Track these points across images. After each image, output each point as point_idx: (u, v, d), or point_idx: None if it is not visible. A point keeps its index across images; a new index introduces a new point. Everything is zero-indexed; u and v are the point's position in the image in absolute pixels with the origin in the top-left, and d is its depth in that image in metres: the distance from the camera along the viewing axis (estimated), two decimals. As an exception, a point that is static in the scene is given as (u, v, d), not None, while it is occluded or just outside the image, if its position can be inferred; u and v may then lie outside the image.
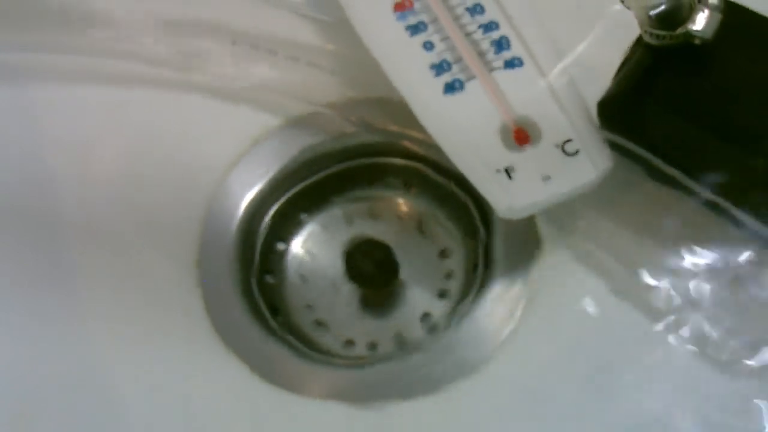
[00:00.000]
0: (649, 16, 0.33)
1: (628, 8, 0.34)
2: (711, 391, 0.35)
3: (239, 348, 0.38)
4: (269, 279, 0.41)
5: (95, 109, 0.42)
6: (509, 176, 0.35)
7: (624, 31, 0.35)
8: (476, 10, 0.38)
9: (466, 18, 0.38)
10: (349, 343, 0.40)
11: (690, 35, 0.33)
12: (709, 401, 0.35)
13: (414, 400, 0.36)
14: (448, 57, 0.37)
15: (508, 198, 0.35)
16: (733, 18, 0.34)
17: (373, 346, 0.40)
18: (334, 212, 0.42)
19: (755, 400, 0.35)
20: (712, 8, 0.34)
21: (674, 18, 0.33)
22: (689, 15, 0.33)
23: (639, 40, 0.35)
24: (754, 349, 0.36)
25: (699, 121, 0.34)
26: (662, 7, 0.33)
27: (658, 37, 0.34)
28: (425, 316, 0.40)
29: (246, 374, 0.37)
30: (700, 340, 0.36)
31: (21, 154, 0.41)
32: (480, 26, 0.38)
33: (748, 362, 0.35)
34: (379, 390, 0.37)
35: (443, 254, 0.42)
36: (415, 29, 0.38)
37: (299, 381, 0.37)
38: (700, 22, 0.34)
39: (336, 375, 0.38)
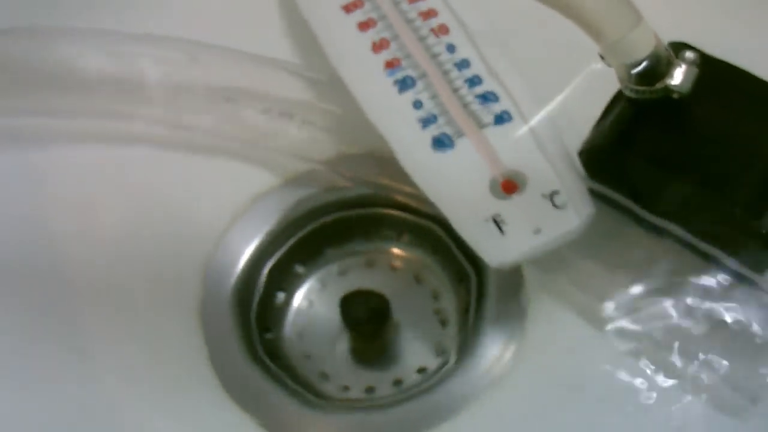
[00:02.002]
0: (630, 73, 0.35)
1: (609, 66, 0.35)
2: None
3: (243, 399, 0.38)
4: (268, 331, 0.42)
5: (96, 169, 0.43)
6: (499, 228, 0.37)
7: (605, 83, 0.37)
8: (464, 65, 0.39)
9: (454, 73, 0.39)
10: (347, 389, 0.41)
11: (669, 90, 0.35)
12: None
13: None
14: (437, 113, 0.38)
15: (499, 250, 0.37)
16: (711, 71, 0.36)
17: (369, 390, 0.41)
18: (329, 262, 0.44)
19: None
20: (688, 63, 0.35)
21: (653, 74, 0.35)
22: (667, 70, 0.35)
23: (620, 92, 0.37)
24: (745, 391, 0.37)
25: (678, 171, 0.36)
26: (642, 66, 0.34)
27: (638, 92, 0.35)
28: (420, 366, 0.41)
29: (250, 425, 0.38)
30: (688, 382, 0.37)
31: (24, 216, 0.42)
32: (466, 81, 0.39)
33: (738, 403, 0.36)
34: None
35: (436, 297, 0.43)
36: (403, 85, 0.39)
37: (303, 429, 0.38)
38: (677, 77, 0.35)
39: (338, 420, 0.39)
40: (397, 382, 0.41)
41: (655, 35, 0.34)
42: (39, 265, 0.41)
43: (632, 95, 0.35)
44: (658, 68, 0.35)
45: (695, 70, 0.35)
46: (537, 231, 0.36)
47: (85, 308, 0.40)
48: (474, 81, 0.39)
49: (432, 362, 0.41)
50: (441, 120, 0.38)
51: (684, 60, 0.35)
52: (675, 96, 0.35)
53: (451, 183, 0.38)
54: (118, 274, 0.41)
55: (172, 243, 0.42)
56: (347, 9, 0.41)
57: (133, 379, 0.39)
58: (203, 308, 0.40)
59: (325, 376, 0.41)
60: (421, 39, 0.40)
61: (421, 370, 0.41)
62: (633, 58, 0.34)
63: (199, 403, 0.38)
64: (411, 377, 0.41)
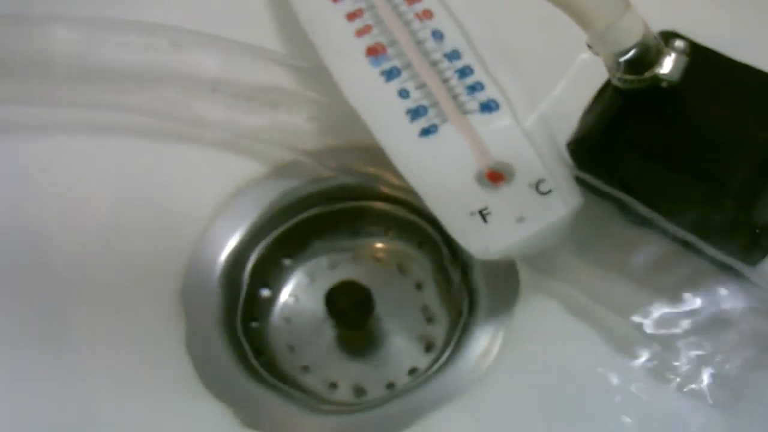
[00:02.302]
0: (618, 62, 0.34)
1: (597, 55, 0.35)
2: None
3: (224, 394, 0.38)
4: (253, 323, 0.41)
5: (80, 160, 0.42)
6: (484, 219, 0.36)
7: (593, 74, 0.36)
8: (453, 55, 0.39)
9: (443, 64, 0.38)
10: (333, 386, 0.41)
11: (657, 79, 0.34)
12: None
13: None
14: (424, 102, 0.38)
15: (484, 241, 0.36)
16: (701, 60, 0.35)
17: (358, 389, 0.40)
18: (316, 255, 0.43)
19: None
20: (678, 52, 0.35)
21: (642, 63, 0.34)
22: (656, 59, 0.34)
23: (608, 82, 0.36)
24: (732, 384, 0.36)
25: (667, 161, 0.35)
26: (631, 54, 0.34)
27: (626, 81, 0.35)
28: (409, 364, 0.41)
29: (231, 420, 0.37)
30: (677, 376, 0.36)
31: (7, 206, 0.42)
32: (456, 71, 0.38)
33: (724, 397, 0.36)
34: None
35: (418, 286, 0.42)
36: (389, 74, 0.38)
37: (286, 427, 0.38)
38: (667, 65, 0.34)
39: (321, 421, 0.38)
40: (387, 381, 0.41)
41: (643, 23, 0.33)
42: (22, 255, 0.41)
43: (620, 85, 0.35)
44: (646, 57, 0.34)
45: (685, 59, 0.35)
46: (521, 220, 0.36)
47: (67, 299, 0.40)
48: (461, 71, 0.38)
49: (420, 359, 0.41)
50: (428, 110, 0.38)
51: (673, 49, 0.35)
52: (664, 85, 0.34)
53: (437, 174, 0.37)
54: (102, 265, 0.41)
55: (156, 233, 0.41)
56: (334, -1, 0.41)
57: (113, 371, 0.38)
58: (186, 300, 0.40)
59: (308, 370, 0.41)
60: (407, 24, 0.39)
61: (412, 371, 0.41)
62: (621, 46, 0.33)
63: (178, 396, 0.38)
64: (398, 374, 0.41)
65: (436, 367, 0.39)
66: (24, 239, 0.41)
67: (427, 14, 0.40)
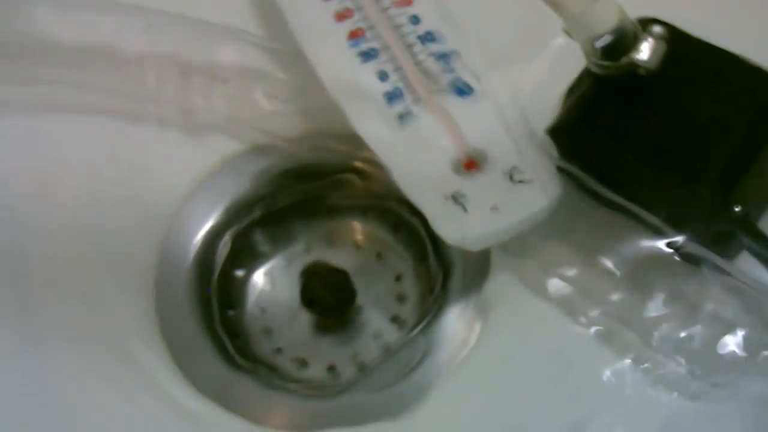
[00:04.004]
0: (594, 47, 0.33)
1: (573, 40, 0.34)
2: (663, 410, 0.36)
3: (196, 376, 0.38)
4: (227, 305, 0.41)
5: (55, 138, 0.42)
6: (459, 205, 0.36)
7: (571, 60, 0.36)
8: (427, 38, 0.38)
9: (418, 47, 0.38)
10: (305, 365, 0.40)
11: (635, 65, 0.34)
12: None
13: (375, 424, 0.37)
14: (401, 87, 0.37)
15: (459, 229, 0.36)
16: (680, 46, 0.34)
17: (331, 369, 0.40)
18: (291, 239, 0.43)
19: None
20: (656, 38, 0.34)
21: (619, 48, 0.33)
22: (634, 45, 0.33)
23: (587, 69, 0.35)
24: (702, 368, 0.36)
25: (644, 151, 0.34)
26: (606, 39, 0.33)
27: (603, 67, 0.34)
28: (381, 341, 0.41)
29: (203, 402, 0.37)
30: (649, 363, 0.36)
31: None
32: (430, 54, 0.38)
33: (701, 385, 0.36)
34: (337, 416, 0.37)
35: (398, 279, 0.42)
36: (366, 56, 0.38)
37: (259, 410, 0.38)
38: (644, 51, 0.34)
39: (295, 403, 0.38)
40: (355, 359, 0.41)
41: (619, 8, 0.33)
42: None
43: (597, 71, 0.34)
44: (623, 42, 0.33)
45: (663, 45, 0.34)
46: (495, 209, 0.35)
47: (35, 280, 0.40)
48: (437, 54, 0.38)
49: (392, 334, 0.41)
50: (404, 94, 0.37)
51: (652, 34, 0.34)
52: (641, 72, 0.34)
53: (413, 157, 0.37)
54: (71, 246, 0.40)
55: (129, 214, 0.41)
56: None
57: (83, 354, 0.38)
58: (159, 281, 0.40)
59: (282, 352, 0.41)
60: (384, 10, 0.39)
61: (381, 342, 0.41)
62: (596, 31, 0.33)
63: (150, 377, 0.38)
64: (370, 352, 0.41)
65: (405, 343, 0.39)
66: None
67: (406, 1, 0.39)
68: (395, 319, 0.41)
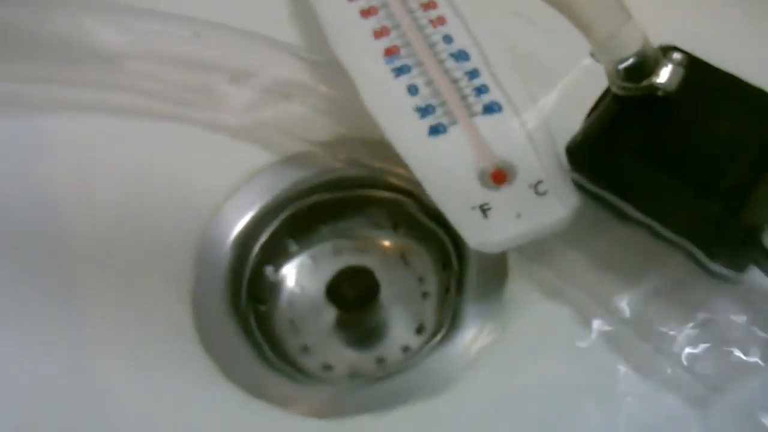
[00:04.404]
0: (617, 70, 0.36)
1: (599, 62, 0.36)
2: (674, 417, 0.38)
3: (228, 366, 0.40)
4: (258, 300, 0.43)
5: (100, 138, 0.44)
6: (484, 214, 0.38)
7: (594, 81, 0.38)
8: (460, 56, 0.41)
9: (450, 63, 0.40)
10: (329, 367, 0.42)
11: (654, 87, 0.36)
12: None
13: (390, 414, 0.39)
14: (433, 101, 0.40)
15: (481, 233, 0.38)
16: (697, 72, 0.37)
17: (352, 367, 0.42)
18: (321, 242, 0.45)
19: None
20: (675, 63, 0.36)
21: (640, 71, 0.36)
22: (654, 69, 0.36)
23: (608, 90, 0.38)
24: (710, 377, 0.38)
25: (659, 166, 0.36)
26: (630, 62, 0.35)
27: (624, 88, 0.36)
28: (403, 345, 0.43)
29: (238, 395, 0.39)
30: (663, 372, 0.38)
31: (26, 180, 0.44)
32: (465, 73, 0.40)
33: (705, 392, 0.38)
34: (357, 407, 0.39)
35: (421, 280, 0.44)
36: (400, 71, 0.40)
37: (288, 399, 0.40)
38: (664, 75, 0.36)
39: (320, 394, 0.40)
40: (380, 360, 0.42)
41: (643, 34, 0.35)
42: (38, 229, 0.43)
43: (619, 92, 0.37)
44: (645, 66, 0.36)
45: (681, 71, 0.36)
46: (518, 216, 0.38)
47: (79, 274, 0.42)
48: (469, 72, 0.40)
49: (414, 341, 0.43)
50: (437, 109, 0.39)
51: (671, 60, 0.36)
52: (660, 94, 0.36)
53: (443, 170, 0.39)
54: (115, 242, 0.42)
55: (168, 214, 0.43)
56: (351, -3, 0.43)
57: (122, 345, 0.40)
58: (195, 278, 0.41)
59: (309, 351, 0.43)
60: (420, 29, 0.41)
61: (405, 349, 0.42)
62: (621, 55, 0.35)
63: (184, 370, 0.40)
64: (392, 355, 0.42)
65: (427, 348, 0.41)
66: (40, 210, 0.43)
67: (441, 20, 0.41)
68: (417, 322, 0.43)
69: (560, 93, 0.41)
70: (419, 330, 0.43)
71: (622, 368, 0.38)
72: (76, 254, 0.42)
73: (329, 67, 0.42)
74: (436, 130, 0.39)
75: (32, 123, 0.45)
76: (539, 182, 0.38)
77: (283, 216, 0.44)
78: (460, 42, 0.41)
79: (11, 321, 0.41)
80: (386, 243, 0.45)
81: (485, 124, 0.39)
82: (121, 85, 0.43)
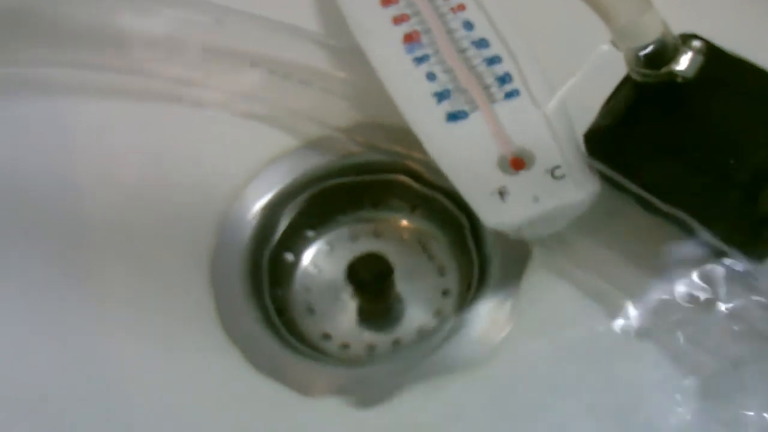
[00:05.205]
0: (637, 56, 0.36)
1: (619, 49, 0.37)
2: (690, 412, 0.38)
3: (246, 346, 0.40)
4: (276, 283, 0.44)
5: (121, 122, 0.45)
6: (502, 198, 0.38)
7: (613, 68, 0.38)
8: (481, 44, 0.41)
9: (471, 51, 0.41)
10: (347, 347, 0.43)
11: (673, 74, 0.36)
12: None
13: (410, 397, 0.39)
14: (452, 87, 0.40)
15: (498, 214, 0.38)
16: (715, 60, 0.37)
17: (370, 348, 0.43)
18: (339, 227, 0.46)
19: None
20: (695, 51, 0.37)
21: (660, 58, 0.36)
22: (673, 56, 0.36)
23: (627, 77, 0.38)
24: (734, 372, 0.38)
25: (677, 153, 0.37)
26: (649, 49, 0.36)
27: (644, 75, 0.36)
28: (420, 327, 0.43)
29: (255, 376, 0.40)
30: (679, 359, 0.38)
31: (50, 162, 0.44)
32: (484, 60, 0.41)
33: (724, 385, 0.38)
34: (377, 387, 0.39)
35: (441, 272, 0.44)
36: (420, 60, 0.41)
37: (305, 381, 0.40)
38: (683, 63, 0.36)
39: (338, 374, 0.40)
40: (396, 342, 0.43)
41: (663, 22, 0.35)
42: (60, 212, 0.43)
43: (638, 78, 0.37)
44: (664, 53, 0.36)
45: (701, 58, 0.36)
46: (536, 200, 0.38)
47: (100, 256, 0.42)
48: (488, 59, 0.41)
49: (431, 324, 0.43)
50: (457, 95, 0.40)
51: (690, 48, 0.37)
52: (679, 81, 0.36)
53: (462, 156, 0.39)
54: (135, 225, 0.43)
55: (189, 197, 0.43)
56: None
57: (141, 327, 0.41)
58: (215, 261, 0.42)
59: (327, 335, 0.43)
60: (441, 16, 0.42)
61: (421, 332, 0.43)
62: (641, 42, 0.35)
63: (202, 349, 0.40)
64: (410, 337, 0.43)
65: (444, 332, 0.41)
66: (64, 196, 0.43)
67: (461, 7, 0.42)
68: (434, 307, 0.44)
69: (581, 79, 0.41)
70: (437, 314, 0.43)
71: (645, 357, 0.39)
72: (97, 237, 0.43)
73: (349, 52, 0.42)
74: (455, 116, 0.40)
75: (55, 106, 0.45)
76: (557, 167, 0.38)
77: (301, 201, 0.44)
78: (480, 28, 0.41)
79: (31, 303, 0.41)
80: (404, 227, 0.46)
81: (504, 110, 0.40)
82: (142, 70, 0.44)
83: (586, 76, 0.41)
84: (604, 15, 0.35)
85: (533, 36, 0.41)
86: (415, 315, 0.44)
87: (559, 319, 0.40)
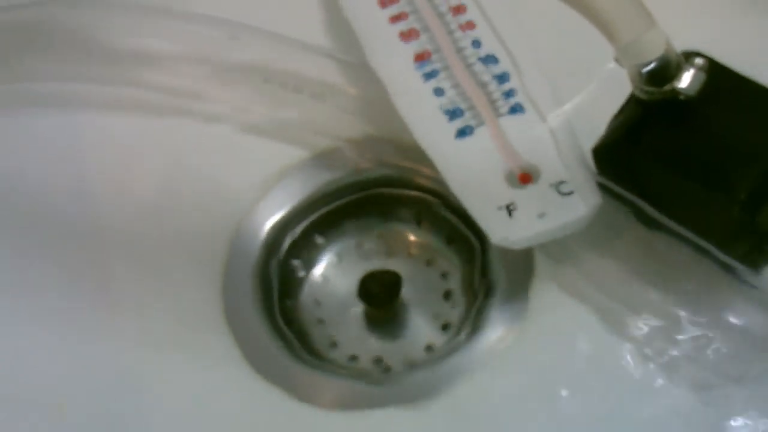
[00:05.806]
0: (640, 73, 0.37)
1: (622, 66, 0.37)
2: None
3: (255, 356, 0.41)
4: (286, 295, 0.44)
5: (136, 136, 0.46)
6: (510, 213, 0.39)
7: (619, 85, 0.39)
8: (488, 60, 0.42)
9: (478, 67, 0.42)
10: (355, 358, 0.44)
11: (676, 91, 0.37)
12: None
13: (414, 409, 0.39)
14: (460, 104, 0.41)
15: (504, 230, 0.39)
16: (719, 78, 0.38)
17: (378, 361, 0.43)
18: (348, 239, 0.46)
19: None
20: (697, 68, 0.37)
21: (663, 76, 0.37)
22: (676, 74, 0.37)
23: (633, 95, 0.39)
24: (738, 383, 0.38)
25: (680, 169, 0.37)
26: (652, 66, 0.36)
27: (647, 92, 0.37)
28: (428, 342, 0.44)
29: (263, 386, 0.40)
30: (684, 373, 0.39)
31: (66, 175, 0.45)
32: (493, 77, 0.41)
33: (727, 394, 0.38)
34: (382, 399, 0.40)
35: (445, 278, 0.45)
36: (428, 76, 0.42)
37: (313, 391, 0.41)
38: (686, 80, 0.37)
39: (345, 386, 0.41)
40: (404, 357, 0.43)
41: (666, 40, 0.36)
42: (74, 222, 0.44)
43: (642, 96, 0.37)
44: (667, 71, 0.36)
45: (703, 76, 0.37)
46: (542, 216, 0.39)
47: (113, 267, 0.43)
48: (497, 76, 0.41)
49: (438, 338, 0.43)
50: (464, 111, 0.41)
51: (693, 65, 0.37)
52: (682, 98, 0.37)
53: (469, 172, 0.40)
54: (148, 236, 0.44)
55: (202, 209, 0.44)
56: (382, 3, 0.44)
57: (151, 335, 0.42)
58: (226, 273, 0.43)
59: (334, 344, 0.44)
60: (450, 33, 0.42)
61: (428, 347, 0.43)
62: (644, 59, 0.36)
63: (212, 358, 0.41)
64: (416, 352, 0.43)
65: (451, 345, 0.42)
66: (79, 204, 0.44)
67: (470, 25, 0.43)
68: (441, 320, 0.44)
69: (588, 96, 0.42)
70: (444, 327, 0.44)
71: (649, 371, 0.39)
72: (111, 247, 0.44)
73: (360, 68, 0.43)
74: (463, 132, 0.40)
75: (71, 120, 0.46)
76: (562, 182, 0.39)
77: (312, 215, 0.45)
78: (489, 46, 0.42)
79: (45, 310, 0.42)
80: (411, 241, 0.46)
81: (511, 126, 0.40)
82: (157, 85, 0.45)
83: (593, 93, 0.42)
84: (608, 32, 0.36)
85: (541, 53, 0.42)
86: (420, 324, 0.44)
87: (565, 333, 0.40)
